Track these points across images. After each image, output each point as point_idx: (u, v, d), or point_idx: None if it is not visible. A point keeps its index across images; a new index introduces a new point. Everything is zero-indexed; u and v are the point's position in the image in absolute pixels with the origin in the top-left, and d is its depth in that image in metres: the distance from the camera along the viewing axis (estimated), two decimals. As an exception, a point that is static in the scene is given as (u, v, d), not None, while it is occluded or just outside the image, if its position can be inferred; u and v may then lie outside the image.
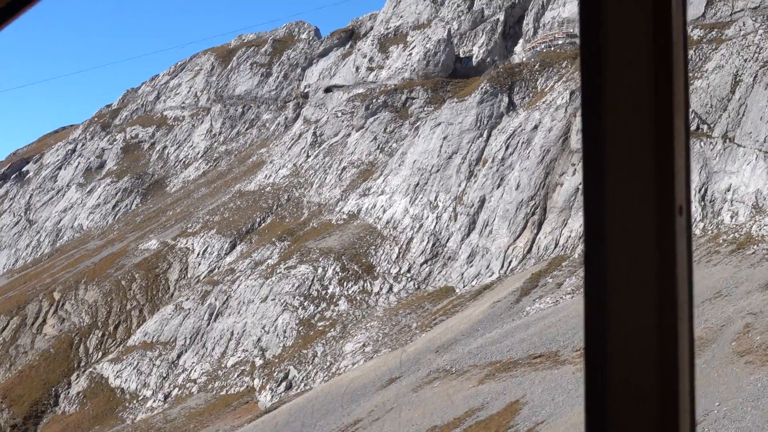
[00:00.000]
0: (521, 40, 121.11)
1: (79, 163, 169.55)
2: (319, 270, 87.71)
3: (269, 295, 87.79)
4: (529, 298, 71.46)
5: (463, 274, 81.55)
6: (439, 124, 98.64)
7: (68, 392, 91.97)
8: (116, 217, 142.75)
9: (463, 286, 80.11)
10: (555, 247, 78.03)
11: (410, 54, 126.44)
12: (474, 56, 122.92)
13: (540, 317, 66.49)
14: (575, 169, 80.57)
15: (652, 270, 1.83)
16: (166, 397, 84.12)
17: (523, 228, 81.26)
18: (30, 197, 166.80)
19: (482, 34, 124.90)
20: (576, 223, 77.64)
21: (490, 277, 79.55)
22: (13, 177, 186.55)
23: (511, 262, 79.81)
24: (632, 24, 1.78)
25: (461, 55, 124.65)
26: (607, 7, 1.79)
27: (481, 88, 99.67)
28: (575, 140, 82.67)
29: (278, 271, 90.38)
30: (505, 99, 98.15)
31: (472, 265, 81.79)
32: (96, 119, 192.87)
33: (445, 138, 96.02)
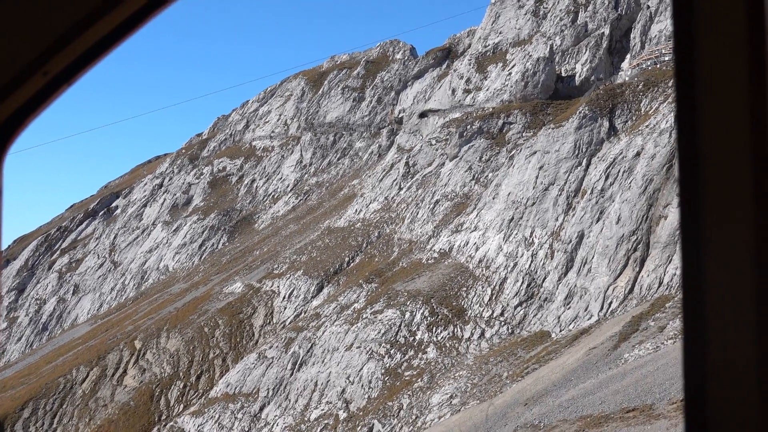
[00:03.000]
0: (628, 56, 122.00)
1: (165, 199, 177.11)
2: (407, 315, 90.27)
3: (354, 343, 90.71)
4: (628, 344, 72.48)
5: (559, 317, 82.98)
6: (535, 152, 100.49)
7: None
8: (202, 258, 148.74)
9: (560, 331, 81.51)
10: (659, 287, 78.80)
11: (509, 74, 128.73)
12: (577, 74, 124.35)
13: (638, 365, 67.65)
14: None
15: (751, 299, 1.86)
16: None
17: (624, 266, 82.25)
18: (115, 237, 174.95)
19: (586, 50, 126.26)
20: (681, 260, 78.31)
21: (588, 320, 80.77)
22: (101, 214, 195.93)
23: (611, 303, 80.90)
24: (726, 36, 1.89)
25: (563, 74, 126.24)
26: (699, 21, 1.91)
27: (579, 113, 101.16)
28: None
29: (364, 317, 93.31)
30: (606, 123, 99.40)
31: (569, 308, 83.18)
32: (184, 150, 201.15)
33: (541, 168, 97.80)
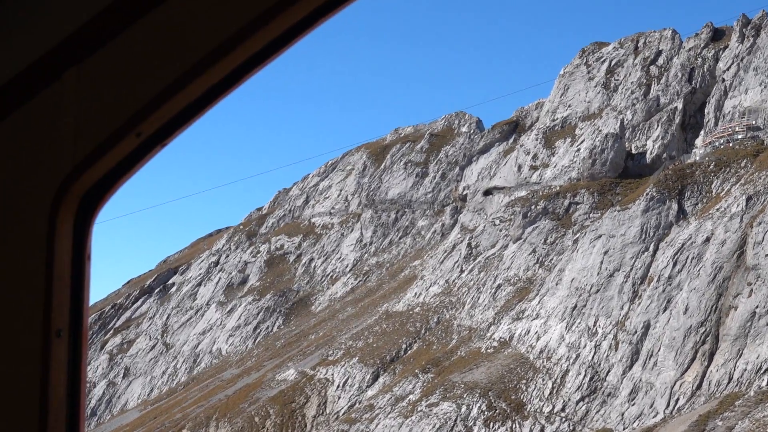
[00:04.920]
0: (702, 132, 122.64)
1: (220, 278, 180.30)
2: (463, 408, 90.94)
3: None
4: (694, 445, 72.54)
5: (623, 414, 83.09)
6: (600, 236, 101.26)
7: None
8: (256, 341, 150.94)
9: (623, 429, 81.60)
10: (728, 383, 78.69)
11: (578, 150, 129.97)
12: (648, 152, 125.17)
13: (702, 469, 67.74)
14: (751, 290, 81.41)
15: None
16: None
17: (692, 359, 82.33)
18: (168, 317, 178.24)
19: (657, 125, 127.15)
20: (752, 354, 78.28)
21: (653, 417, 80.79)
22: (157, 291, 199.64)
23: (677, 399, 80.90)
24: None
25: (633, 151, 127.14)
26: None
27: (647, 194, 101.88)
28: (751, 255, 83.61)
29: (419, 409, 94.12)
30: (674, 206, 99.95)
31: (633, 404, 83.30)
32: (242, 226, 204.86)
33: (605, 252, 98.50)
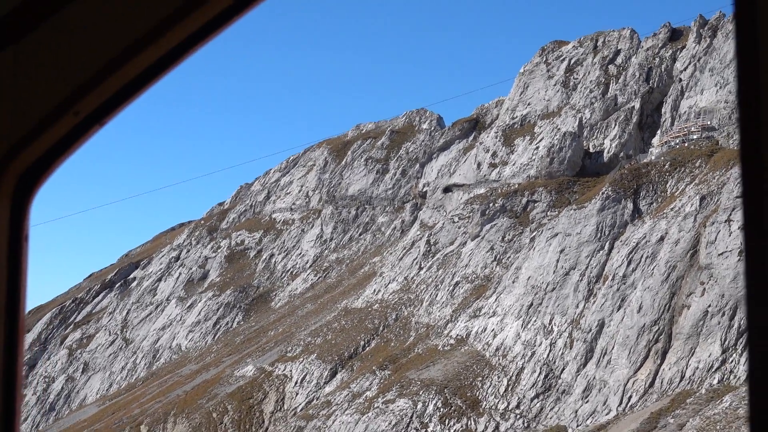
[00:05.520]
0: (659, 132, 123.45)
1: (180, 273, 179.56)
2: (419, 405, 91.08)
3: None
4: (645, 443, 73.08)
5: (577, 411, 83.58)
6: (556, 234, 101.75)
7: None
8: (216, 337, 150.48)
9: (577, 426, 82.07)
10: (680, 380, 79.34)
11: (536, 148, 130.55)
12: (605, 150, 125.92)
13: (653, 466, 68.26)
14: (704, 289, 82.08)
15: None
16: None
17: (645, 357, 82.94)
18: (128, 312, 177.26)
19: (615, 124, 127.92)
20: (704, 353, 78.93)
21: (606, 415, 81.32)
22: (118, 285, 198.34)
23: (630, 397, 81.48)
24: None
25: (591, 150, 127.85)
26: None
27: (603, 193, 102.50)
28: (704, 255, 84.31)
29: (375, 406, 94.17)
30: (630, 205, 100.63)
31: (587, 401, 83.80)
32: (204, 221, 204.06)
33: (562, 251, 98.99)
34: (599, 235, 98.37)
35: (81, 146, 3.17)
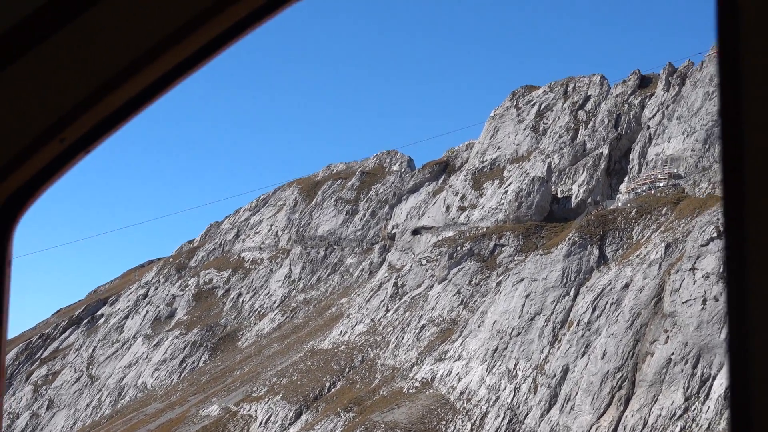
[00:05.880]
0: (626, 178, 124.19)
1: (147, 311, 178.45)
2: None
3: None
4: (607, 490, 73.01)
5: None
6: (522, 279, 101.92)
7: None
8: (181, 375, 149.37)
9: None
10: (642, 428, 79.38)
11: (505, 192, 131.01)
12: (573, 196, 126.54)
13: None
14: (668, 336, 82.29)
15: None
16: None
17: (609, 404, 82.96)
18: (94, 349, 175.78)
19: (583, 170, 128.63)
20: (667, 401, 79.00)
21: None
22: (85, 322, 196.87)
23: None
24: None
25: (559, 195, 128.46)
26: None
27: (569, 239, 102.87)
28: (669, 302, 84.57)
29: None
30: (596, 251, 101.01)
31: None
32: (173, 259, 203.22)
33: (527, 296, 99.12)
34: (565, 280, 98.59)
35: (66, 173, 3.14)
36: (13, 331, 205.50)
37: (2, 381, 2.96)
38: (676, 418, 77.67)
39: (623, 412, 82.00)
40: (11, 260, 3.10)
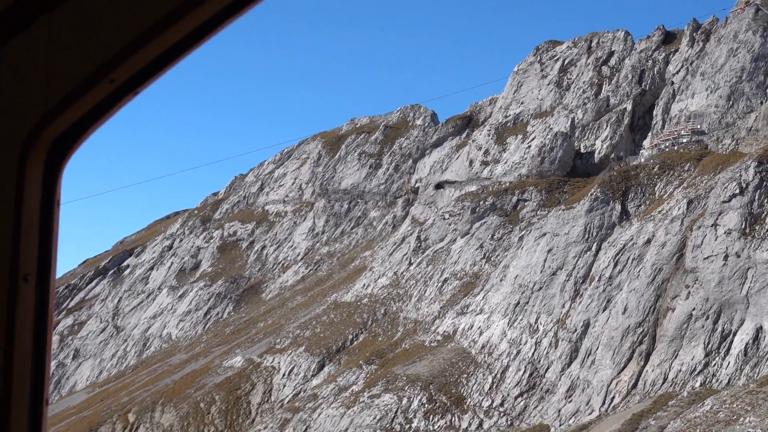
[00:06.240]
0: (650, 134, 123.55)
1: (173, 263, 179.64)
2: (404, 401, 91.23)
3: (349, 428, 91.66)
4: (626, 444, 73.23)
5: (560, 411, 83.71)
6: (545, 234, 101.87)
7: None
8: (206, 327, 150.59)
9: (560, 425, 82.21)
10: (663, 383, 79.47)
11: (528, 147, 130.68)
12: (596, 151, 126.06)
13: (632, 468, 68.46)
14: (689, 292, 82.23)
15: None
16: None
17: (629, 359, 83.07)
18: (119, 300, 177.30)
19: (607, 126, 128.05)
20: (688, 356, 79.10)
21: (589, 415, 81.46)
22: (111, 272, 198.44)
23: (613, 398, 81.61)
24: None
25: (582, 150, 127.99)
26: None
27: (591, 195, 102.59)
28: (690, 258, 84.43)
29: (361, 400, 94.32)
30: (618, 207, 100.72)
31: (570, 401, 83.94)
32: (197, 211, 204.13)
33: (549, 251, 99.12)
34: (587, 236, 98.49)
35: (115, 114, 3.21)
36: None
37: (50, 319, 3.10)
38: (696, 373, 77.75)
39: (643, 367, 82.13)
40: (60, 200, 3.17)
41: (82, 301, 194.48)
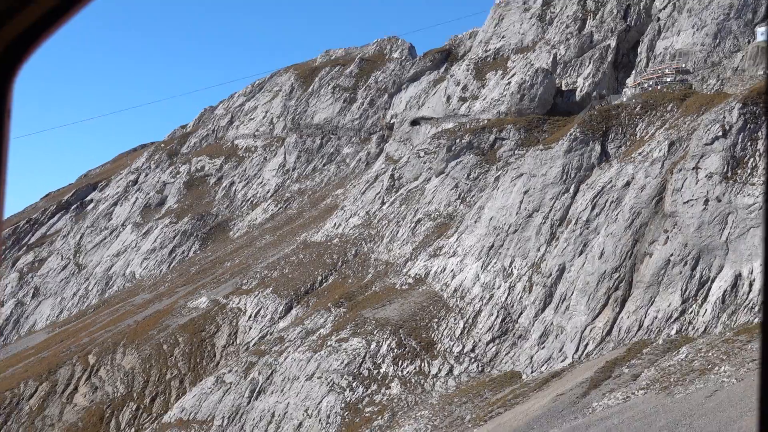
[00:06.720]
0: (633, 72, 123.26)
1: (137, 198, 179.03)
2: (373, 345, 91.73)
3: (316, 372, 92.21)
4: (598, 392, 73.80)
5: (532, 357, 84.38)
6: (521, 175, 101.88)
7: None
8: (171, 266, 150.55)
9: (531, 372, 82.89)
10: (638, 330, 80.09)
11: (508, 83, 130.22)
12: (578, 89, 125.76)
13: (604, 416, 69.10)
14: (668, 237, 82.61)
15: None
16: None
17: (604, 305, 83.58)
18: (81, 237, 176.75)
19: (589, 62, 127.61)
20: (664, 303, 79.65)
21: (562, 362, 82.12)
22: (74, 207, 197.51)
23: (587, 344, 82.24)
24: None
25: (564, 87, 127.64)
26: None
27: (570, 135, 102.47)
28: (670, 202, 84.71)
29: (329, 344, 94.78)
30: (597, 148, 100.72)
31: (543, 347, 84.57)
32: (164, 144, 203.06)
33: (526, 192, 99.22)
34: (565, 177, 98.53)
35: (65, 23, 3.11)
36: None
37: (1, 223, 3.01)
38: (672, 320, 78.34)
39: (619, 313, 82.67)
40: (11, 110, 3.14)
41: (43, 236, 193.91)
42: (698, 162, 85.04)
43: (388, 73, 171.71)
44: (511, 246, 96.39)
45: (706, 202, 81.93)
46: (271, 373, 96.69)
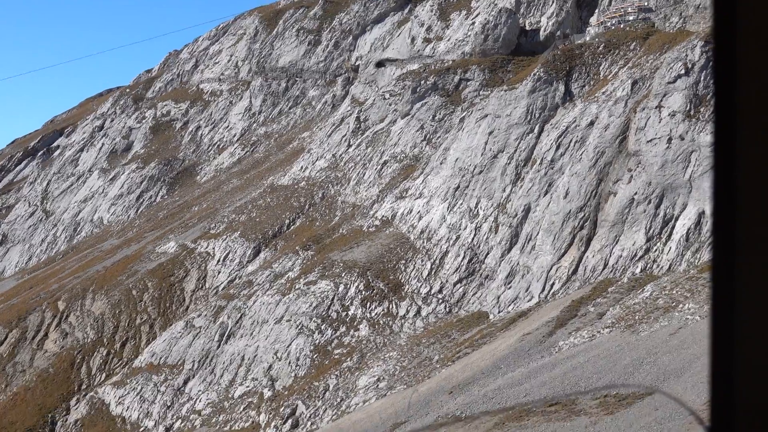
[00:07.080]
0: (597, 11, 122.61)
1: (103, 144, 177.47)
2: (341, 287, 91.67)
3: (285, 315, 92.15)
4: (564, 331, 74.12)
5: (499, 297, 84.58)
6: (486, 116, 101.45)
7: (66, 419, 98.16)
8: (138, 211, 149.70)
9: (498, 312, 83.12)
10: (603, 268, 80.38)
11: (473, 23, 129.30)
12: (542, 29, 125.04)
13: (570, 355, 69.44)
14: (632, 176, 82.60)
15: None
16: (167, 430, 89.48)
17: (570, 244, 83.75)
18: (48, 183, 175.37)
19: (553, 1, 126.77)
20: (629, 241, 79.85)
21: (528, 301, 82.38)
22: (41, 153, 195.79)
23: (553, 284, 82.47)
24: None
25: (527, 27, 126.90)
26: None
27: (534, 75, 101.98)
28: (633, 141, 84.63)
29: (297, 287, 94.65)
30: (561, 88, 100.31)
31: (510, 287, 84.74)
32: (129, 89, 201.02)
33: (491, 133, 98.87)
34: (529, 117, 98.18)
35: None
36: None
37: None
38: (637, 259, 78.63)
39: (584, 252, 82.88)
40: None
41: (10, 183, 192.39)
42: (661, 101, 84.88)
43: (352, 14, 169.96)
44: (476, 187, 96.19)
45: (670, 140, 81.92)
46: (241, 317, 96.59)
